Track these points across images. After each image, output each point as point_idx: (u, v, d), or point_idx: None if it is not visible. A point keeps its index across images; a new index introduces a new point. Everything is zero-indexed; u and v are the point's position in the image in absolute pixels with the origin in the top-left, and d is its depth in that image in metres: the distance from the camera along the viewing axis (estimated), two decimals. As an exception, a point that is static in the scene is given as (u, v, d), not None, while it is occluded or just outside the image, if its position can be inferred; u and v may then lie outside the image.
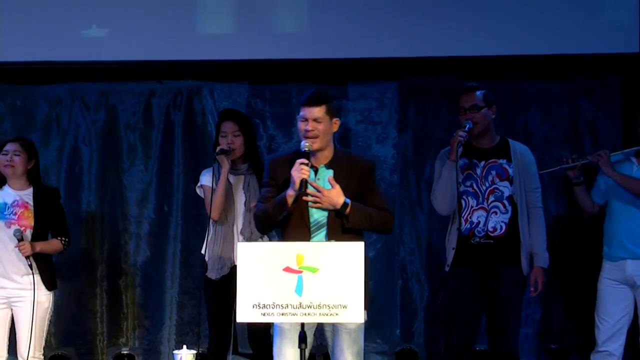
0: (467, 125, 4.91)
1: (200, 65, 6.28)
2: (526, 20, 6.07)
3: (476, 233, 4.97)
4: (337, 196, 4.26)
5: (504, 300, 4.92)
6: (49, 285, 5.31)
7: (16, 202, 5.31)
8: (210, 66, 6.30)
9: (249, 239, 5.08)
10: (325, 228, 4.31)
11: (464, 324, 4.97)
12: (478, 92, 5.00)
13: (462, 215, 4.93)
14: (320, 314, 3.79)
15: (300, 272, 3.80)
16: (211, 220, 5.11)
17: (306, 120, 4.31)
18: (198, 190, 5.33)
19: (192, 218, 6.27)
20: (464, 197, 4.99)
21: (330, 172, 4.34)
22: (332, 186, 4.27)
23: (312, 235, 4.30)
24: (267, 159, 4.59)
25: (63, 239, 5.38)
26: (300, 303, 3.79)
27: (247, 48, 6.16)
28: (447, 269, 5.04)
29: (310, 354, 4.37)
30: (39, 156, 5.53)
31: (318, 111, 4.29)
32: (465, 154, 4.95)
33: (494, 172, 5.00)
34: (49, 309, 5.33)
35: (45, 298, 5.29)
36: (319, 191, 4.27)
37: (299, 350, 3.96)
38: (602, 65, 6.21)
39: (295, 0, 6.27)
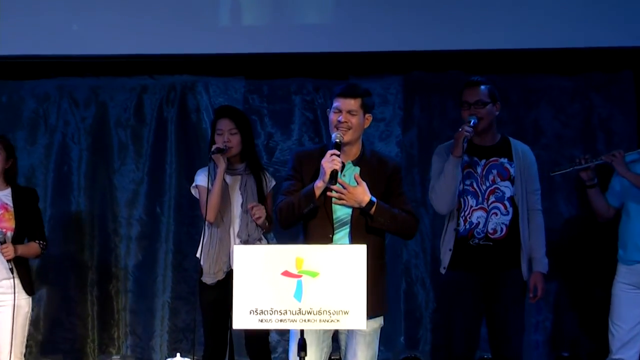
0: (472, 121, 4.87)
1: (194, 59, 6.24)
2: (536, 13, 6.01)
3: (475, 234, 4.92)
4: (362, 194, 4.26)
5: (505, 306, 4.88)
6: (28, 289, 5.27)
7: (-5, 204, 5.29)
8: (205, 60, 6.26)
9: (245, 241, 5.04)
10: (348, 226, 4.31)
11: (465, 332, 4.94)
12: (483, 87, 4.98)
13: (461, 215, 4.92)
14: (320, 320, 3.74)
15: (300, 276, 3.75)
16: (206, 223, 5.09)
17: (340, 111, 4.33)
18: (193, 191, 5.28)
19: (185, 220, 6.24)
20: (464, 196, 4.95)
21: (357, 170, 4.36)
22: (357, 183, 4.28)
23: (335, 232, 4.31)
24: (293, 151, 4.65)
25: (41, 242, 5.33)
26: (300, 309, 3.73)
27: (243, 41, 6.13)
28: (442, 271, 5.00)
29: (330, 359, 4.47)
30: (26, 155, 5.56)
31: (354, 103, 4.33)
32: (465, 151, 4.91)
33: (495, 172, 4.96)
34: (29, 314, 5.28)
35: (25, 302, 5.25)
36: (344, 187, 4.26)
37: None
38: (616, 59, 6.16)
39: (294, -8, 6.31)
